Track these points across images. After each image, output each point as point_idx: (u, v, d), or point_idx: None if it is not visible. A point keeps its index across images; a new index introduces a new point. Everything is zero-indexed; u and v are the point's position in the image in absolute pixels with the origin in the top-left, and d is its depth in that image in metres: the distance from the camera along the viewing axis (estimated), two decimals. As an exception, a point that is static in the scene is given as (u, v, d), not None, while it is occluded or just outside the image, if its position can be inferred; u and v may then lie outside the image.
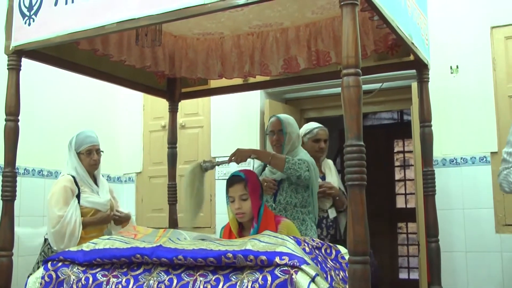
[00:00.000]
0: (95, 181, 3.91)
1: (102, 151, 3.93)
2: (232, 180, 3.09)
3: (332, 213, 4.11)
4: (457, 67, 4.42)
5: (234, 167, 4.14)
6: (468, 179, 4.30)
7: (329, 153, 4.34)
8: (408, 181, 9.20)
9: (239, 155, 3.59)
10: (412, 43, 2.86)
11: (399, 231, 9.17)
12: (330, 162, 4.36)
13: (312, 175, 3.66)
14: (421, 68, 3.29)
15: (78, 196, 3.72)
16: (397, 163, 9.45)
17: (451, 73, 4.43)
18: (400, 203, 9.26)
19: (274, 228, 2.99)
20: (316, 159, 3.93)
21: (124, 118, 5.90)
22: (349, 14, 2.02)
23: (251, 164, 4.97)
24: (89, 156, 3.81)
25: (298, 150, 3.81)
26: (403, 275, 8.98)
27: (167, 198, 4.23)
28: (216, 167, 3.87)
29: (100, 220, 3.76)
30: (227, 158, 3.60)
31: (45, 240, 3.75)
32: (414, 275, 8.54)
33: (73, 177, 3.78)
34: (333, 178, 4.20)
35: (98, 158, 3.86)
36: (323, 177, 4.16)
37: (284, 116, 3.86)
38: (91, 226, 3.69)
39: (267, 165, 3.80)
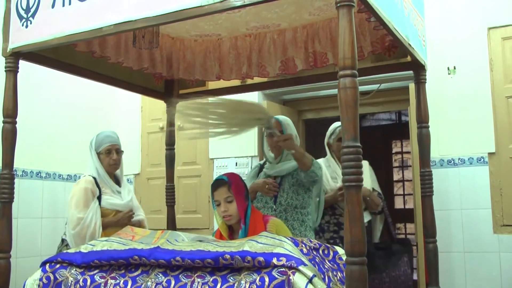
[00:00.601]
0: (117, 182, 3.88)
1: (123, 151, 3.89)
2: (216, 184, 3.11)
3: (366, 217, 3.97)
4: (454, 68, 4.43)
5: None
6: (466, 179, 4.31)
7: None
8: (406, 182, 9.21)
9: (287, 144, 3.53)
10: (409, 44, 2.86)
11: (398, 232, 9.18)
12: (365, 162, 3.90)
13: (321, 179, 3.70)
14: (418, 69, 3.29)
15: (99, 198, 3.68)
16: (395, 164, 9.46)
17: (448, 74, 4.44)
18: (398, 203, 9.27)
19: (263, 227, 2.99)
20: None
21: (122, 119, 5.90)
22: (346, 15, 2.03)
23: (249, 164, 4.99)
24: (108, 156, 3.77)
25: None
26: (401, 275, 8.98)
27: (165, 199, 4.23)
28: (264, 135, 3.84)
29: (120, 221, 3.69)
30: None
31: (63, 240, 3.72)
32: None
33: (94, 178, 3.74)
34: (366, 179, 3.93)
35: (118, 158, 3.82)
36: None
37: (282, 117, 3.86)
38: (111, 227, 3.62)
39: (264, 166, 3.81)
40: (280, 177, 3.72)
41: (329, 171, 4.12)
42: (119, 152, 3.83)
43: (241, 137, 5.09)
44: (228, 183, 3.07)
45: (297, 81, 4.06)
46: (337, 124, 4.11)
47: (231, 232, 3.16)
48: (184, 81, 4.13)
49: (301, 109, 5.68)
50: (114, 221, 3.67)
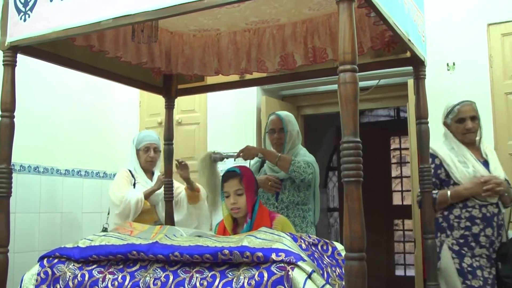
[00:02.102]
0: (152, 179, 4.20)
1: (160, 151, 4.20)
2: (227, 176, 3.09)
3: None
4: (454, 64, 4.43)
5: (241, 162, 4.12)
6: (465, 176, 4.30)
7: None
8: (404, 178, 9.22)
9: (247, 153, 3.63)
10: (409, 40, 2.85)
11: (396, 228, 9.19)
12: (490, 147, 3.71)
13: (316, 176, 3.68)
14: (417, 65, 3.28)
15: (134, 186, 4.04)
16: (393, 160, 9.46)
17: (448, 70, 4.44)
18: (396, 200, 9.28)
19: (269, 224, 2.99)
20: (468, 143, 3.54)
21: (120, 114, 5.90)
22: (346, 10, 2.02)
23: (248, 160, 4.98)
24: (146, 153, 4.15)
25: (298, 147, 3.82)
26: (399, 271, 9.01)
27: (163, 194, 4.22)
28: (225, 159, 3.96)
29: (160, 186, 4.02)
30: (235, 153, 3.67)
31: (105, 229, 4.00)
32: (410, 272, 8.57)
33: (130, 171, 4.15)
34: (497, 166, 3.51)
35: (154, 156, 4.18)
36: (485, 163, 3.52)
37: (284, 113, 3.86)
38: (146, 214, 3.99)
39: (266, 162, 3.81)
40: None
41: (454, 154, 3.53)
42: (156, 151, 4.19)
43: (239, 132, 5.14)
44: (240, 175, 3.06)
45: (296, 76, 4.05)
46: (453, 101, 3.63)
47: (236, 225, 3.16)
48: (182, 76, 4.11)
49: (299, 105, 5.68)
50: (155, 188, 4.02)
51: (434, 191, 3.39)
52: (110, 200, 4.03)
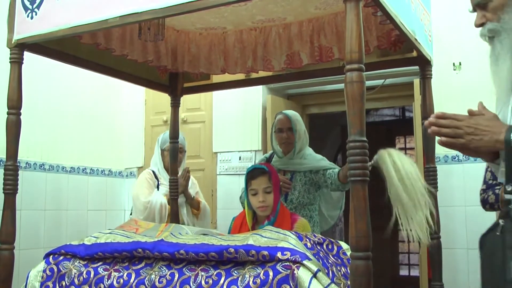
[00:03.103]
0: None
1: (185, 151, 4.24)
2: (255, 173, 3.09)
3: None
4: (460, 64, 4.41)
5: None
6: (470, 176, 4.29)
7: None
8: (409, 178, 9.17)
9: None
10: (416, 39, 2.85)
11: (400, 228, 9.16)
12: None
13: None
14: (424, 64, 3.27)
15: (158, 188, 4.07)
16: (398, 160, 9.44)
17: (454, 69, 4.42)
18: (401, 199, 9.24)
19: (290, 224, 3.00)
20: None
21: (126, 112, 5.91)
22: (353, 9, 2.02)
23: (253, 159, 4.99)
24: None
25: (306, 147, 3.83)
26: (403, 271, 9.00)
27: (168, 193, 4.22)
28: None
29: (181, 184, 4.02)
30: None
31: None
32: (414, 272, 8.56)
33: (153, 171, 4.18)
34: None
35: (179, 156, 4.09)
36: None
37: (292, 113, 3.87)
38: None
39: (273, 159, 3.81)
40: (290, 174, 3.72)
41: None
42: (181, 151, 4.17)
43: (245, 131, 5.14)
44: (269, 173, 3.06)
45: (301, 75, 4.05)
46: None
47: (255, 222, 3.16)
48: (188, 74, 4.11)
49: (305, 104, 5.67)
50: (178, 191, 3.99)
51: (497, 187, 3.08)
52: (134, 204, 4.08)
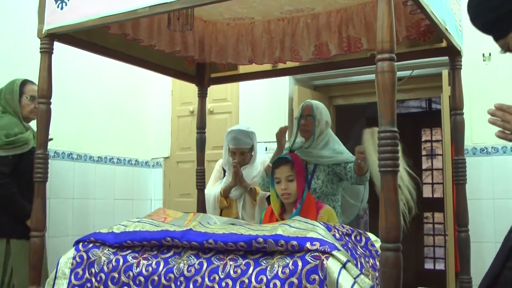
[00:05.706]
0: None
1: (251, 148, 4.14)
2: (279, 162, 3.20)
3: None
4: (490, 54, 4.35)
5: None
6: (499, 168, 4.25)
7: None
8: (435, 171, 9.10)
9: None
10: (446, 29, 2.81)
11: (425, 221, 9.09)
12: None
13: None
14: (453, 55, 3.24)
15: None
16: (424, 152, 9.35)
17: (484, 60, 4.36)
18: (426, 192, 9.17)
19: (315, 212, 3.06)
20: None
21: (152, 103, 5.94)
22: (384, -1, 2.00)
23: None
24: (233, 156, 4.07)
25: (329, 136, 3.79)
26: (428, 265, 8.93)
27: (194, 183, 4.24)
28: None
29: (233, 180, 4.03)
30: None
31: None
32: (439, 266, 8.49)
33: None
34: None
35: (241, 158, 4.07)
36: None
37: (315, 102, 3.85)
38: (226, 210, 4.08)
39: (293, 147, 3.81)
40: (313, 164, 3.71)
41: None
42: (243, 153, 4.09)
43: (271, 122, 5.13)
44: (291, 162, 3.16)
45: (328, 66, 4.02)
46: None
47: (283, 211, 3.23)
48: (215, 65, 4.12)
49: (331, 95, 5.65)
50: (232, 185, 4.04)
51: None
52: None
